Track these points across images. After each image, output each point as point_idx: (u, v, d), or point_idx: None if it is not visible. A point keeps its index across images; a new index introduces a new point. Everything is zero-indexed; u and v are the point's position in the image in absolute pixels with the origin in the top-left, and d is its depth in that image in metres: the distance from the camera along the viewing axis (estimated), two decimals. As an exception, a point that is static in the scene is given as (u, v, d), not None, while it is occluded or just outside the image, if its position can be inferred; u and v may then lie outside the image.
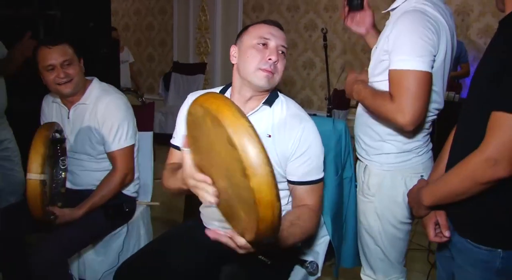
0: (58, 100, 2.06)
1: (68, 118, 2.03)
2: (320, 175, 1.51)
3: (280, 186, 1.49)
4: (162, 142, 2.08)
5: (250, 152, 0.92)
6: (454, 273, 1.27)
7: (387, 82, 1.46)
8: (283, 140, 1.47)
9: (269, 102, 1.52)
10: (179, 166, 1.34)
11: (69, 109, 2.03)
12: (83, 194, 1.96)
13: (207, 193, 1.12)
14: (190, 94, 1.67)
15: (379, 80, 1.55)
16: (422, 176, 1.57)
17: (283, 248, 1.35)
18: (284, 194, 1.52)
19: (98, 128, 1.98)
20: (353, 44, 5.17)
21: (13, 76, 2.65)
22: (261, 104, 1.50)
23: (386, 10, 1.61)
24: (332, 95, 4.07)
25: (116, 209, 2.03)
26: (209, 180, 1.12)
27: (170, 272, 1.52)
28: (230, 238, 1.15)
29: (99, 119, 1.98)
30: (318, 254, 1.77)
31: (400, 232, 1.66)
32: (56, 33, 2.93)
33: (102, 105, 1.98)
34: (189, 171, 1.16)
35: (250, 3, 5.83)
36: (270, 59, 1.42)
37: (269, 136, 1.47)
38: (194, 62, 6.24)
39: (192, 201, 2.74)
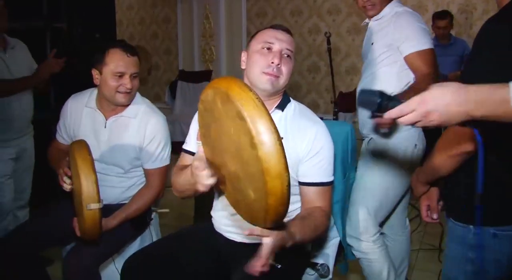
0: (94, 105, 2.01)
1: (105, 127, 1.99)
2: (331, 178, 1.52)
3: (292, 190, 1.51)
4: (170, 150, 2.10)
5: (258, 122, 0.94)
6: None
7: (386, 67, 1.96)
8: (296, 142, 1.47)
9: (282, 106, 1.54)
10: (187, 167, 1.40)
11: (106, 118, 1.99)
12: (103, 210, 1.95)
13: (203, 177, 1.20)
14: None
15: (379, 67, 1.99)
16: (416, 145, 1.97)
17: (296, 243, 1.34)
18: (295, 198, 1.52)
19: (143, 143, 1.97)
20: (357, 47, 5.18)
21: (45, 93, 2.70)
22: (273, 108, 1.52)
23: (376, 19, 2.03)
24: (338, 98, 4.07)
25: (141, 219, 2.06)
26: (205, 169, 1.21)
27: (180, 271, 1.53)
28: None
29: (147, 135, 1.96)
30: (329, 256, 1.77)
31: (398, 187, 2.02)
32: (63, 45, 2.97)
33: (153, 122, 1.98)
34: (198, 157, 1.23)
35: (253, 9, 5.86)
36: (273, 62, 1.44)
37: (282, 138, 1.49)
38: (200, 70, 6.27)
39: (201, 207, 2.76)
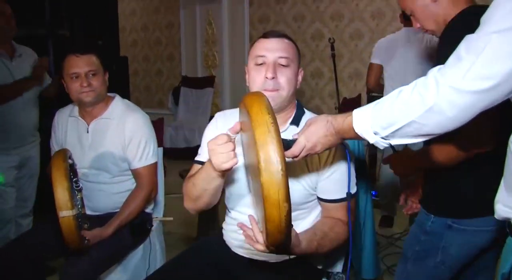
0: (76, 113, 2.03)
1: (87, 132, 1.99)
2: (352, 190, 1.44)
3: (311, 198, 1.46)
4: (173, 156, 2.08)
5: (266, 148, 0.94)
6: None
7: None
8: (314, 158, 1.40)
9: (296, 120, 1.46)
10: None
11: (88, 124, 2.00)
12: (104, 219, 1.92)
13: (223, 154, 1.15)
14: (218, 113, 1.64)
15: None
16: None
17: (303, 252, 1.31)
18: (315, 204, 1.49)
19: (125, 144, 1.95)
20: (360, 52, 5.17)
21: (51, 99, 2.73)
22: (287, 124, 1.45)
23: None
24: (342, 103, 4.05)
25: (141, 227, 2.03)
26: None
27: None
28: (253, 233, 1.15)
29: (127, 134, 1.95)
30: (340, 265, 1.74)
31: None
32: (66, 52, 2.98)
33: (131, 121, 1.96)
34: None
35: (256, 15, 5.86)
36: (267, 77, 1.36)
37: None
38: (203, 76, 6.27)
39: (205, 214, 2.73)
